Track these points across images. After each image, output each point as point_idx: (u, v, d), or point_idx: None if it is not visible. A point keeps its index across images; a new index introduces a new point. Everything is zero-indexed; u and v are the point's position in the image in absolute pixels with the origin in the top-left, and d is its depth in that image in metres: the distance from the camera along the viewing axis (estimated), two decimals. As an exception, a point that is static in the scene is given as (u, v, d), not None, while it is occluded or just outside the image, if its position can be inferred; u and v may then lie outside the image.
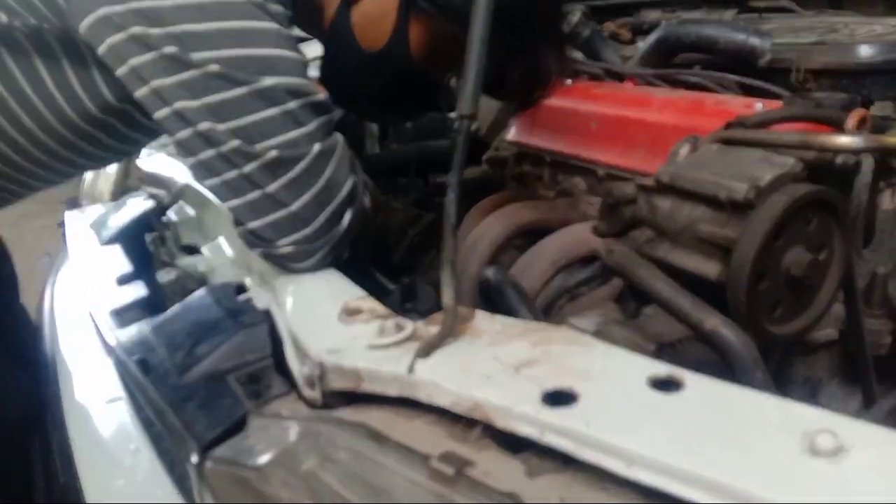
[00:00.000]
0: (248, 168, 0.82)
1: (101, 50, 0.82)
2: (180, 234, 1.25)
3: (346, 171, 0.90)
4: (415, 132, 1.85)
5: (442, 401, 0.62)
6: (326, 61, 1.13)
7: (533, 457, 0.58)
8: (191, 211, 1.29)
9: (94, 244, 1.36)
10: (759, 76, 1.16)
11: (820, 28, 1.26)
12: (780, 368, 0.93)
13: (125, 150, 1.10)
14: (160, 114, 0.82)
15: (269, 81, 0.81)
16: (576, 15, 1.42)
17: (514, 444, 0.59)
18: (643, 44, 1.35)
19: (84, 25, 0.81)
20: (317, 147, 0.85)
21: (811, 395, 0.96)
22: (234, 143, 0.81)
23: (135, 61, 0.80)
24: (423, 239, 1.53)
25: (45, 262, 3.80)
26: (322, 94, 0.87)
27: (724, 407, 0.56)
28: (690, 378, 0.59)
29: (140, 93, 0.82)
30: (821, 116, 0.89)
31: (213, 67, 0.79)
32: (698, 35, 1.21)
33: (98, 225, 1.44)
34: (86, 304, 1.20)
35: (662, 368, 0.60)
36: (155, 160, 1.63)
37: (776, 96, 1.09)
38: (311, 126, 0.85)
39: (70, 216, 1.57)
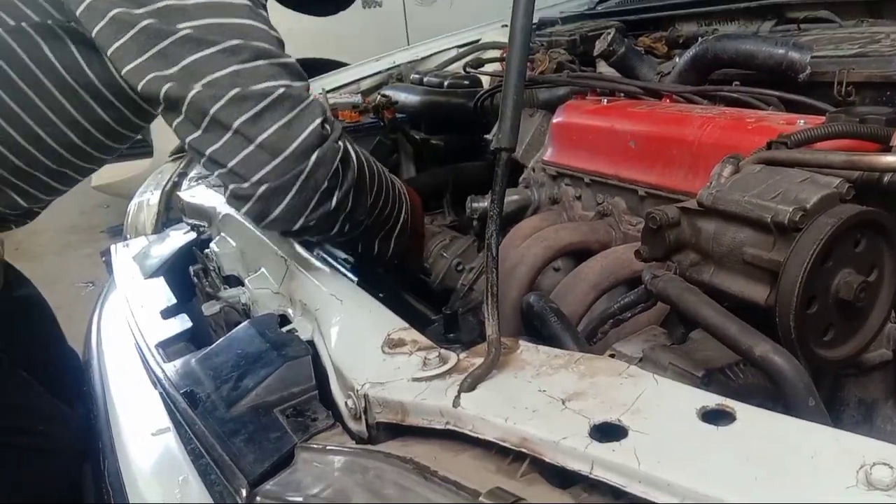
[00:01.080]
0: (215, 109, 0.88)
1: (94, 34, 0.92)
2: (222, 265, 1.27)
3: (313, 116, 0.92)
4: (449, 153, 1.86)
5: (489, 434, 0.62)
6: None
7: (582, 491, 0.58)
8: (232, 242, 1.31)
9: (138, 277, 1.39)
10: (799, 90, 1.14)
11: (860, 39, 1.23)
12: (833, 391, 0.91)
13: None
14: (142, 85, 0.92)
15: (238, 42, 0.90)
16: (610, 32, 1.41)
17: (563, 478, 0.58)
18: (679, 60, 1.34)
19: (77, 12, 0.93)
20: (281, 90, 0.90)
21: (866, 417, 0.93)
22: (205, 91, 0.89)
23: (117, 44, 0.91)
24: (461, 262, 1.54)
25: (89, 290, 3.91)
26: (291, 59, 0.95)
27: (777, 439, 0.54)
28: (741, 409, 0.58)
29: (125, 71, 0.92)
30: (865, 133, 0.87)
31: (188, 32, 0.89)
32: (736, 50, 1.20)
33: (141, 257, 1.47)
34: (132, 337, 1.22)
35: (712, 399, 0.59)
36: (196, 192, 1.66)
37: (818, 111, 1.08)
38: (277, 76, 0.91)
39: (115, 249, 1.60)
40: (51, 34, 1.00)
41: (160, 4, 0.89)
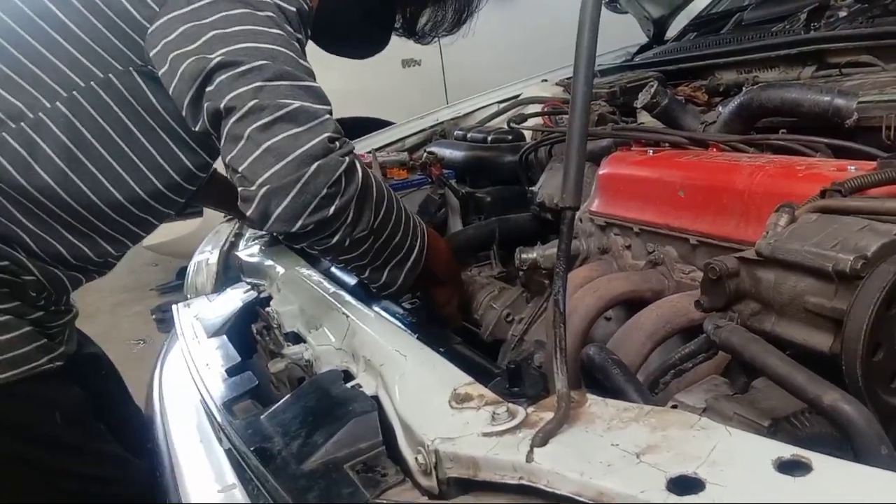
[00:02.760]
0: (233, 119, 0.99)
1: (160, 75, 1.08)
2: (283, 322, 1.31)
3: (323, 131, 1.00)
4: (495, 206, 1.89)
5: (564, 489, 0.63)
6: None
7: (662, 545, 0.58)
8: (292, 299, 1.34)
9: (201, 335, 1.43)
10: (846, 136, 1.15)
11: (905, 82, 1.25)
12: (900, 439, 0.90)
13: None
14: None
15: (265, 62, 1.01)
16: (653, 85, 1.44)
17: (640, 532, 0.59)
18: (724, 109, 1.36)
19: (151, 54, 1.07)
20: (296, 105, 1.00)
21: (937, 463, 0.91)
22: (229, 104, 1.00)
23: (174, 82, 1.05)
24: (510, 312, 1.55)
25: (140, 347, 3.99)
26: (315, 84, 1.05)
27: (855, 489, 0.55)
28: (817, 459, 0.58)
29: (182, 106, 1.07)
30: (920, 178, 0.88)
31: (222, 58, 1.00)
32: (781, 99, 1.22)
33: (203, 316, 1.52)
34: (197, 394, 1.25)
35: (787, 450, 0.59)
36: (253, 251, 1.71)
37: (867, 156, 1.08)
38: (297, 96, 1.01)
39: (177, 308, 1.65)
40: (131, 79, 1.13)
41: (208, 35, 1.02)
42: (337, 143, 1.02)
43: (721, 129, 1.34)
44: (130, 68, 1.12)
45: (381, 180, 1.17)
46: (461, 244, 1.75)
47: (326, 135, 1.01)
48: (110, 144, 1.14)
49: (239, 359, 1.26)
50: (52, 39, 1.12)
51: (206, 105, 1.02)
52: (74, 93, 1.11)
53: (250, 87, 0.99)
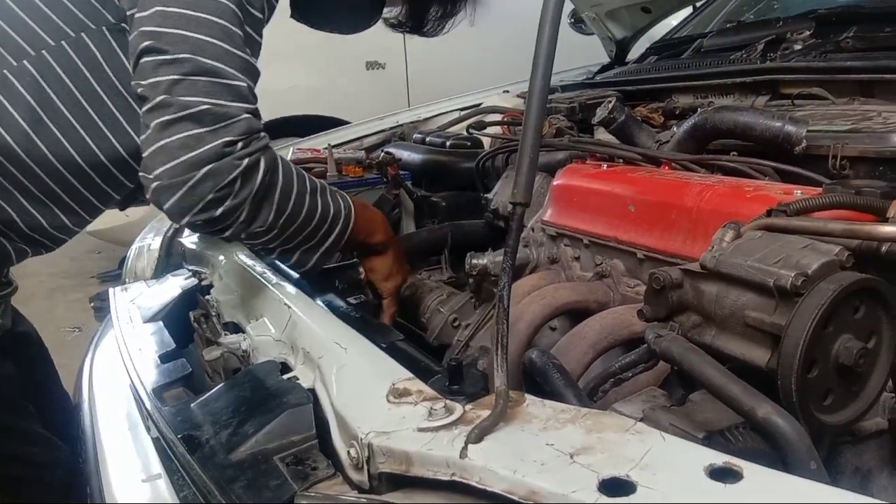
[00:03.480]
0: (145, 108, 1.00)
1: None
2: (223, 311, 1.27)
3: (225, 135, 1.00)
4: (449, 211, 1.89)
5: (496, 487, 0.62)
6: None
7: (590, 547, 0.57)
8: (234, 289, 1.31)
9: (136, 320, 1.38)
10: (794, 162, 1.18)
11: (853, 116, 1.28)
12: (829, 458, 0.91)
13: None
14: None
15: (186, 56, 0.99)
16: (611, 101, 1.46)
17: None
18: (679, 129, 1.38)
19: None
20: (204, 107, 0.98)
21: (861, 485, 0.93)
22: (144, 91, 1.00)
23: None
24: (457, 317, 1.54)
25: (75, 335, 3.87)
26: (242, 82, 1.03)
27: (784, 498, 0.55)
28: (748, 468, 0.58)
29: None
30: (862, 205, 0.90)
31: (150, 43, 1.00)
32: (734, 122, 1.24)
33: (140, 301, 1.47)
34: (128, 379, 1.21)
35: (720, 458, 0.59)
36: (197, 238, 1.67)
37: (813, 182, 1.11)
38: (211, 94, 1.00)
39: (113, 292, 1.60)
40: (103, 40, 1.12)
41: (153, 10, 1.01)
42: (238, 145, 1.01)
43: (674, 148, 1.36)
44: (104, 27, 1.11)
45: (301, 175, 1.16)
46: (413, 247, 1.74)
47: (226, 139, 1.00)
48: (76, 107, 1.12)
49: (174, 345, 1.22)
50: None
51: (132, 83, 1.04)
52: (43, 52, 1.09)
53: (166, 79, 0.99)
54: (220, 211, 1.02)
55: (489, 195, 1.64)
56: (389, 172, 1.80)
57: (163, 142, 0.98)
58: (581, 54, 2.58)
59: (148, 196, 1.02)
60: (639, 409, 0.85)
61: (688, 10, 2.61)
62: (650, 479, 0.57)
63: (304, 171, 1.18)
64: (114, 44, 1.13)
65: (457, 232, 1.74)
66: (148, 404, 1.04)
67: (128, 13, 1.06)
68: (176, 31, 1.00)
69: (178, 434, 0.91)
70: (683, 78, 1.79)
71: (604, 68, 2.56)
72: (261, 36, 1.13)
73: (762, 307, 0.78)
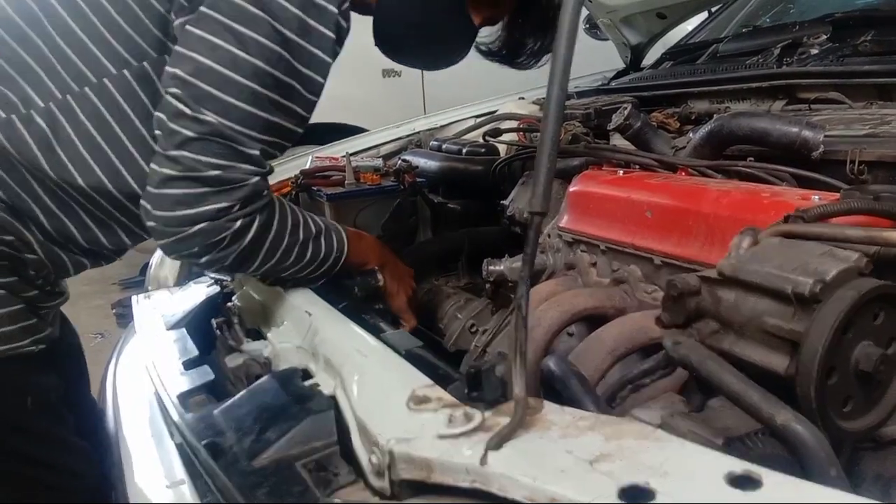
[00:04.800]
0: (157, 149, 1.04)
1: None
2: (245, 319, 1.29)
3: (224, 199, 1.03)
4: (465, 218, 1.90)
5: (516, 494, 0.62)
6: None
7: (610, 554, 0.58)
8: (255, 296, 1.33)
9: (159, 327, 1.40)
10: (812, 167, 1.18)
11: (871, 120, 1.28)
12: (850, 465, 0.91)
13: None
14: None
15: (207, 117, 1.01)
16: (627, 107, 1.46)
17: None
18: (695, 135, 1.38)
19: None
20: (211, 172, 1.02)
21: (883, 493, 0.93)
22: (159, 135, 1.03)
23: None
24: (475, 323, 1.55)
25: (97, 341, 3.91)
26: (255, 151, 1.05)
27: (804, 506, 0.55)
28: (768, 475, 0.58)
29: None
30: (881, 210, 0.90)
31: (176, 91, 1.02)
32: (751, 127, 1.24)
33: (164, 309, 1.49)
34: (151, 386, 1.23)
35: (739, 465, 0.60)
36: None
37: (831, 188, 1.11)
38: (223, 156, 1.02)
39: (136, 299, 1.62)
40: (159, 67, 1.11)
41: (190, 55, 1.02)
42: (235, 208, 1.05)
43: (691, 154, 1.36)
44: (166, 55, 1.11)
45: (295, 219, 1.18)
46: (430, 254, 1.76)
47: (223, 204, 1.03)
48: (133, 132, 1.13)
49: (197, 353, 1.23)
50: (90, 23, 1.12)
51: (154, 113, 1.06)
52: (104, 80, 1.11)
53: (182, 132, 1.01)
54: (205, 260, 1.08)
55: (505, 202, 1.64)
56: (406, 180, 1.81)
57: (164, 191, 1.02)
58: (595, 58, 2.58)
59: (145, 224, 1.06)
60: (657, 416, 0.85)
61: (703, 16, 2.60)
62: (669, 486, 0.57)
63: (302, 217, 1.21)
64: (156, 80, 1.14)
65: (473, 238, 1.75)
66: (172, 411, 1.05)
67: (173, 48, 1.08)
68: (205, 87, 1.01)
69: (202, 440, 0.92)
70: (699, 83, 1.79)
71: (619, 74, 2.56)
72: (328, 53, 1.09)
73: (781, 314, 0.78)
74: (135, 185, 1.14)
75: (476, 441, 0.70)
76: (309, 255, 1.21)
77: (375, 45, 1.32)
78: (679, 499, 0.56)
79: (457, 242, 1.76)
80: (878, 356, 0.75)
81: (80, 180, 1.11)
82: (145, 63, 1.12)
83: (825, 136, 1.18)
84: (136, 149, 1.13)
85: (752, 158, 1.27)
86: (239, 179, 1.04)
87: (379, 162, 2.00)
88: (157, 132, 1.04)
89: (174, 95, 1.01)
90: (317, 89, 1.11)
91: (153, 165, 1.03)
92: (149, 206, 1.03)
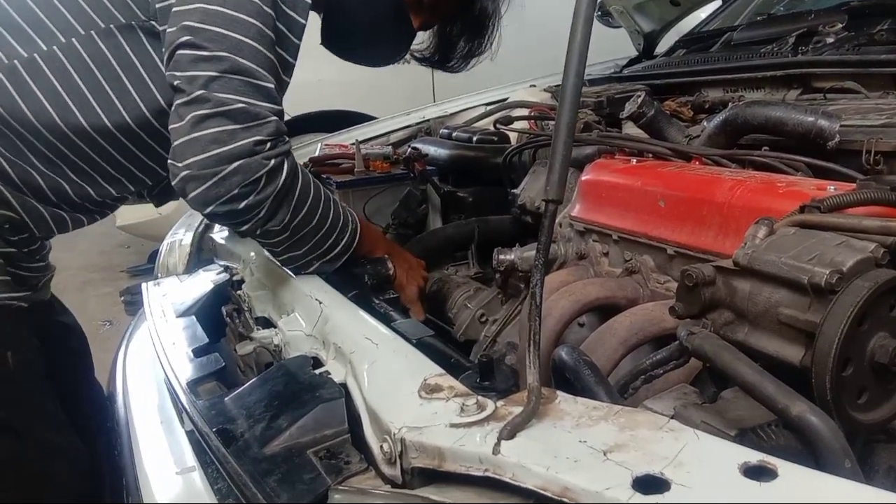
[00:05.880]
0: (181, 100, 1.04)
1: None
2: (254, 306, 1.29)
3: (256, 133, 1.05)
4: (476, 206, 1.89)
5: (529, 483, 0.62)
6: None
7: (624, 544, 0.57)
8: (265, 284, 1.33)
9: (169, 315, 1.40)
10: (827, 157, 1.17)
11: (887, 110, 1.26)
12: (863, 456, 0.91)
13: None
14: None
15: (224, 54, 1.04)
16: (640, 95, 1.45)
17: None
18: (709, 124, 1.37)
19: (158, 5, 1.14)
20: (239, 105, 1.04)
21: (895, 485, 0.92)
22: (181, 84, 1.05)
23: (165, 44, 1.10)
24: (485, 313, 1.55)
25: (105, 328, 3.93)
26: (271, 84, 1.08)
27: (819, 497, 0.55)
28: (783, 466, 0.58)
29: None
30: (898, 200, 0.89)
31: (188, 38, 1.04)
32: (766, 116, 1.23)
33: (173, 296, 1.49)
34: (162, 373, 1.23)
35: (754, 456, 0.59)
36: (227, 233, 1.69)
37: (846, 178, 1.10)
38: (246, 93, 1.05)
39: (146, 287, 1.62)
40: (132, 34, 1.18)
41: (194, 6, 1.05)
42: (267, 146, 1.07)
43: (705, 143, 1.35)
44: (133, 22, 1.17)
45: (316, 184, 1.22)
46: (440, 242, 1.75)
47: (257, 137, 1.05)
48: (109, 78, 1.18)
49: (206, 340, 1.24)
50: None
51: (167, 73, 1.08)
52: (73, 39, 1.16)
53: (203, 74, 1.03)
54: (242, 205, 1.07)
55: (516, 190, 1.63)
56: (416, 168, 1.81)
57: (196, 134, 1.03)
58: (607, 48, 2.56)
59: (174, 183, 1.07)
60: (670, 407, 0.85)
61: (717, 3, 2.58)
62: (684, 476, 0.57)
63: (318, 181, 1.24)
64: (143, 39, 1.18)
65: (484, 227, 1.75)
66: (182, 398, 1.05)
67: (158, 6, 1.13)
68: (216, 28, 1.04)
69: (213, 427, 0.92)
70: (713, 72, 1.77)
71: (631, 62, 2.54)
72: (298, 38, 1.17)
73: (796, 304, 0.77)
74: (106, 121, 1.19)
75: (488, 430, 0.69)
76: (331, 217, 1.24)
77: (321, 43, 1.41)
78: (694, 489, 0.56)
79: (467, 231, 1.75)
80: (894, 348, 0.74)
81: (58, 121, 1.15)
82: (112, 25, 1.17)
83: (841, 126, 1.17)
84: (111, 86, 1.18)
85: (766, 148, 1.26)
86: (263, 114, 1.06)
87: (389, 150, 1.99)
88: (176, 87, 1.06)
89: (187, 44, 1.04)
90: (298, 32, 1.17)
91: (178, 117, 1.05)
92: (181, 156, 1.04)
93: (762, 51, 1.74)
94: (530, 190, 1.60)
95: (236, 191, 1.05)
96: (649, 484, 0.57)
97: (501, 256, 1.45)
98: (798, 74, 1.56)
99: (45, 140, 1.17)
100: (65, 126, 1.17)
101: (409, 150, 1.92)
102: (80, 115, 1.17)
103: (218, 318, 1.40)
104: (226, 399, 0.98)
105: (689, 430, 0.64)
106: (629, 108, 1.46)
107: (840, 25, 1.65)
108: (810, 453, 0.70)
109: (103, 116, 1.18)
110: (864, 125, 1.19)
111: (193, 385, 1.10)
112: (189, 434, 1.09)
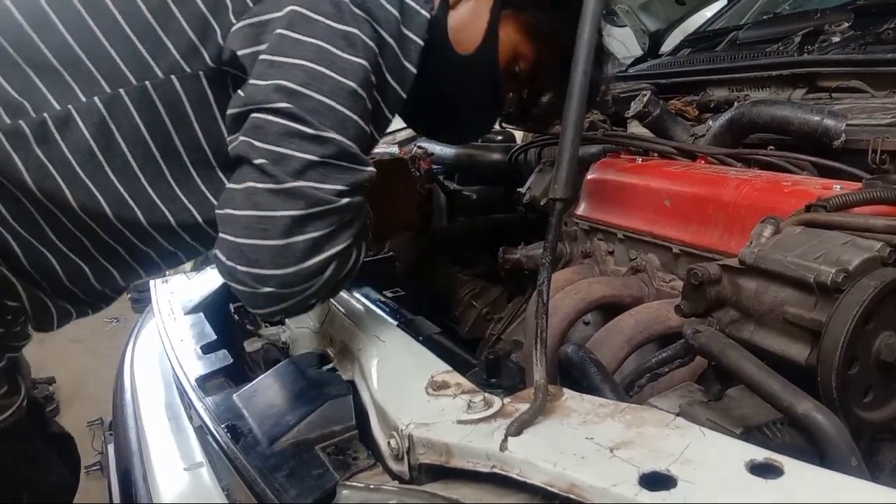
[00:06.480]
0: (267, 185, 0.82)
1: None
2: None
3: (353, 228, 0.88)
4: (481, 205, 1.89)
5: (536, 479, 0.63)
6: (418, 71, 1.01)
7: (630, 540, 0.58)
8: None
9: (178, 312, 1.41)
10: (833, 157, 1.17)
11: (893, 109, 1.26)
12: (869, 454, 0.91)
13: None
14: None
15: (332, 135, 0.83)
16: (646, 94, 1.45)
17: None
18: (715, 123, 1.37)
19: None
20: (343, 200, 0.84)
21: (901, 483, 0.93)
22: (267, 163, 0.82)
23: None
24: (490, 311, 1.55)
25: (112, 325, 3.94)
26: (368, 169, 0.88)
27: (826, 494, 0.55)
28: (789, 463, 0.58)
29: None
30: (904, 200, 0.89)
31: (291, 107, 0.83)
32: (772, 116, 1.23)
33: (181, 294, 1.50)
34: (169, 370, 1.24)
35: (760, 453, 0.60)
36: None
37: (852, 177, 1.10)
38: (343, 180, 0.84)
39: (154, 284, 1.63)
40: (196, 87, 0.93)
41: (296, 62, 0.84)
42: (358, 238, 0.90)
43: (710, 142, 1.35)
44: (200, 71, 0.92)
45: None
46: (445, 240, 1.76)
47: (354, 230, 0.88)
48: (147, 159, 0.93)
49: (215, 337, 1.25)
50: (113, 23, 0.91)
51: (241, 137, 0.85)
52: (121, 90, 0.90)
53: (300, 157, 0.82)
54: (314, 303, 0.90)
55: (522, 189, 1.64)
56: (422, 166, 1.81)
57: (292, 240, 0.81)
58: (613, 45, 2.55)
59: (241, 293, 0.85)
60: (675, 405, 0.85)
61: (722, 2, 2.57)
62: (690, 473, 0.58)
63: None
64: (208, 92, 0.94)
65: (489, 225, 1.75)
66: (191, 394, 1.06)
67: (241, 52, 0.89)
68: (321, 97, 0.83)
69: (222, 424, 0.93)
70: (718, 71, 1.77)
71: (637, 61, 2.54)
72: (392, 113, 0.98)
73: (802, 303, 0.77)
74: (142, 219, 0.94)
75: (496, 426, 0.70)
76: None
77: (406, 122, 1.23)
78: (700, 485, 0.56)
79: (472, 230, 1.76)
80: (901, 346, 0.74)
81: (73, 204, 0.90)
82: (173, 76, 0.91)
83: (847, 125, 1.17)
84: (147, 178, 0.93)
85: (772, 147, 1.26)
86: (364, 209, 0.89)
87: (395, 148, 1.99)
88: (254, 161, 0.83)
89: (284, 112, 0.82)
90: (395, 107, 0.97)
91: (250, 204, 0.82)
92: (262, 265, 0.81)
93: (768, 50, 1.73)
94: (536, 188, 1.61)
95: (322, 293, 0.88)
96: (655, 480, 0.57)
97: (507, 255, 1.45)
98: (804, 73, 1.56)
99: (80, 222, 0.93)
100: (108, 209, 0.92)
101: (415, 148, 1.92)
102: (126, 195, 0.92)
103: (226, 315, 1.40)
104: (234, 396, 0.99)
105: (695, 427, 0.65)
106: (635, 107, 1.46)
107: (846, 24, 1.65)
108: (816, 451, 0.71)
109: (154, 197, 0.94)
110: (870, 124, 1.19)
111: (202, 382, 1.11)
112: (197, 430, 1.10)
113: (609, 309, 1.22)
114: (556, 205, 0.71)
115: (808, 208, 0.91)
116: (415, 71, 0.95)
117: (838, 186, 1.02)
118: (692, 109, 1.69)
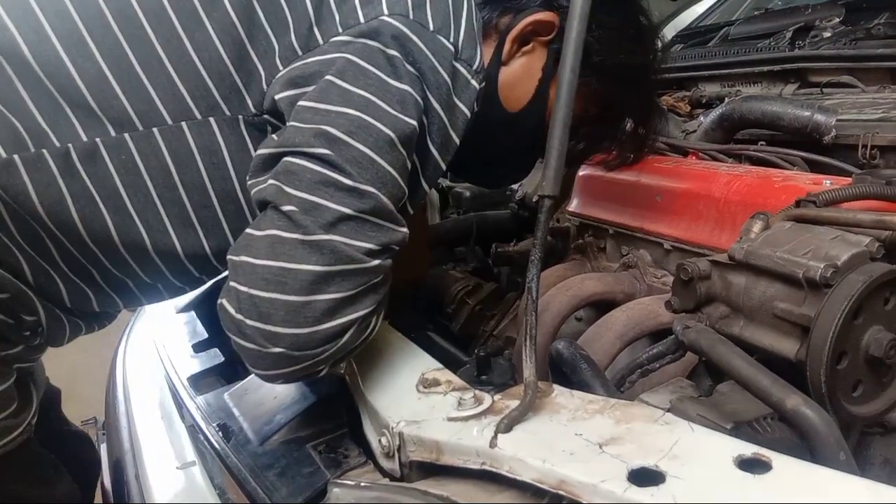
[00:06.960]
0: (296, 235, 0.76)
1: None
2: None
3: (377, 292, 0.82)
4: (474, 201, 1.89)
5: (526, 476, 0.63)
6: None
7: (619, 536, 0.58)
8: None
9: (169, 311, 1.41)
10: (823, 152, 1.17)
11: (884, 104, 1.27)
12: (858, 449, 0.91)
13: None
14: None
15: (370, 189, 0.78)
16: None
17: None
18: (706, 118, 1.37)
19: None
20: (367, 262, 0.78)
21: (890, 477, 0.93)
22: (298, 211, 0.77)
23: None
24: (483, 308, 1.55)
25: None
26: (402, 229, 0.83)
27: (813, 489, 0.56)
28: (777, 458, 0.59)
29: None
30: (893, 195, 0.90)
31: (331, 155, 0.77)
32: (762, 111, 1.23)
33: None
34: (161, 369, 1.24)
35: (748, 448, 0.60)
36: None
37: (843, 172, 1.10)
38: (373, 238, 0.79)
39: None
40: (235, 130, 0.88)
41: (340, 109, 0.79)
42: (382, 302, 0.84)
43: (701, 138, 1.36)
44: (240, 116, 0.87)
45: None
46: (438, 237, 1.75)
47: (378, 296, 0.82)
48: (173, 204, 0.88)
49: (206, 335, 1.24)
50: (154, 58, 0.85)
51: (270, 181, 0.78)
52: (154, 129, 0.85)
53: (334, 208, 0.76)
54: (323, 368, 0.82)
55: (515, 185, 1.64)
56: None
57: (313, 298, 0.75)
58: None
59: (245, 352, 0.78)
60: (666, 400, 0.86)
61: (714, -2, 2.57)
62: (679, 469, 0.58)
63: None
64: (247, 139, 0.88)
65: (482, 222, 1.75)
66: (183, 393, 1.06)
67: (278, 96, 0.84)
68: (364, 149, 0.77)
69: (213, 422, 0.93)
70: (710, 66, 1.77)
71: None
72: (446, 163, 0.91)
73: (791, 298, 0.78)
74: (153, 254, 0.90)
75: (486, 424, 0.70)
76: None
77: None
78: (689, 481, 0.57)
79: (465, 226, 1.76)
80: (889, 341, 0.75)
81: (86, 238, 0.87)
82: (211, 118, 0.87)
83: (837, 121, 1.17)
84: (171, 220, 0.88)
85: (763, 142, 1.27)
86: (387, 270, 0.82)
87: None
88: (281, 208, 0.77)
89: (322, 158, 0.76)
90: (434, 175, 0.91)
91: (270, 253, 0.75)
92: (280, 327, 0.75)
93: (759, 45, 1.74)
94: (528, 185, 1.61)
95: (332, 361, 0.81)
96: (644, 476, 0.57)
97: (499, 251, 1.45)
98: (795, 69, 1.56)
99: (90, 254, 0.89)
100: (122, 246, 0.88)
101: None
102: (145, 236, 0.88)
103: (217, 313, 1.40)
104: (225, 394, 0.99)
105: (684, 423, 0.65)
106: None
107: (837, 20, 1.65)
108: (805, 446, 0.71)
109: (176, 243, 0.90)
110: (860, 119, 1.20)
111: (193, 380, 1.11)
112: (189, 429, 1.09)
113: (601, 305, 1.22)
114: (545, 202, 0.71)
115: (798, 204, 0.91)
116: (458, 142, 0.90)
117: (828, 182, 1.02)
118: (684, 105, 1.69)
